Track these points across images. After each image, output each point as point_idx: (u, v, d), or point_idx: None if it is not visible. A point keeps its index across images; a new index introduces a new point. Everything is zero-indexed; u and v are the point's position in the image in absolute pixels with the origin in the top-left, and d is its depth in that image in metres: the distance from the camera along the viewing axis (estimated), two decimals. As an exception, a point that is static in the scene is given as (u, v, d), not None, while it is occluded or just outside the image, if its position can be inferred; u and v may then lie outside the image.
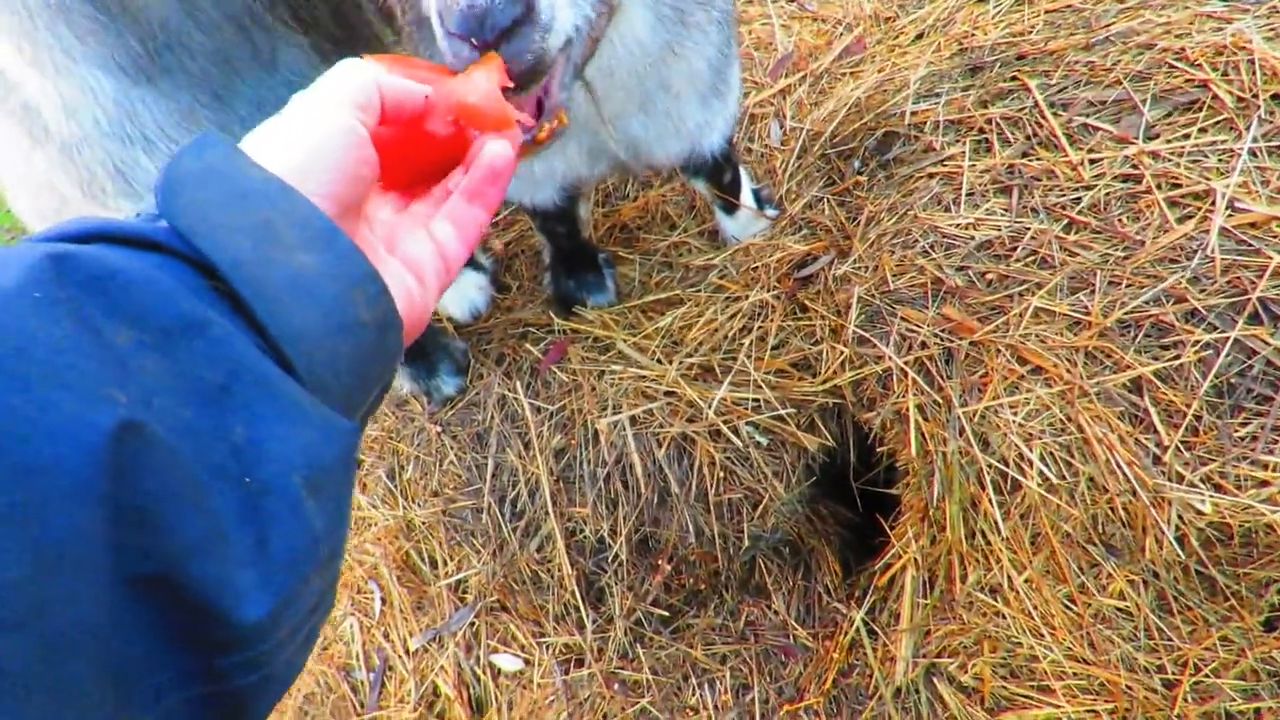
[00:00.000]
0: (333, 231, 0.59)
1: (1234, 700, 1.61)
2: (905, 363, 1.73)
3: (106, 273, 0.49)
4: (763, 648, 2.03)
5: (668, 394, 2.01)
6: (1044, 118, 1.82)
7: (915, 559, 1.86)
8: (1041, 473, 1.59)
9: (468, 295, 2.39)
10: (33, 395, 0.42)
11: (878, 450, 1.90)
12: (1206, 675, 1.60)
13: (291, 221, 0.57)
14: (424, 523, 2.39)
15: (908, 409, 1.72)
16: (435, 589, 2.44)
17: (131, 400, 0.46)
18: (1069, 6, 2.13)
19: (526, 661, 2.31)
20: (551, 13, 0.83)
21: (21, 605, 0.39)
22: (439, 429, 2.30)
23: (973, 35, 2.21)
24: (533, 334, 2.28)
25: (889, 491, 1.95)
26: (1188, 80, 1.74)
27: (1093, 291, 1.61)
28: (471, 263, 2.43)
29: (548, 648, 2.23)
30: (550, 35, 0.84)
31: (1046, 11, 2.14)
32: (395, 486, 2.50)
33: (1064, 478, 1.59)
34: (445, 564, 2.39)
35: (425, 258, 0.71)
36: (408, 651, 2.50)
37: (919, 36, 2.41)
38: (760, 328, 1.98)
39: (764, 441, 1.91)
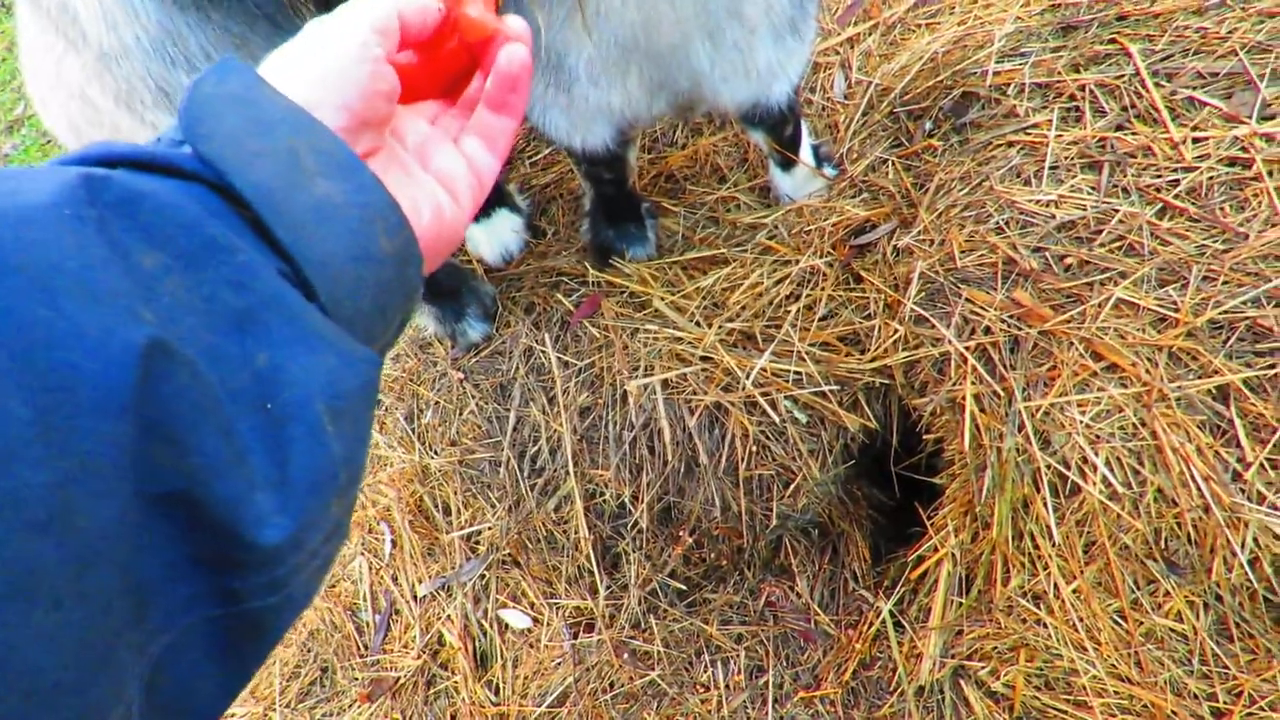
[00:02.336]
0: (355, 161, 0.59)
1: (1287, 736, 1.50)
2: (966, 348, 1.59)
3: (136, 196, 0.50)
4: (781, 631, 1.94)
5: (704, 359, 1.89)
6: (1144, 88, 1.65)
7: (953, 554, 1.75)
8: (1106, 479, 1.46)
9: (501, 237, 2.28)
10: (64, 308, 0.43)
11: (924, 437, 1.78)
12: (1261, 708, 1.49)
13: (315, 150, 0.58)
14: (440, 470, 2.31)
15: (964, 398, 1.59)
16: (447, 538, 2.38)
17: (159, 320, 0.47)
18: (1179, -35, 1.93)
19: (535, 620, 2.25)
20: None
21: (50, 508, 0.41)
22: (461, 376, 2.20)
23: (1067, -9, 2.02)
24: (565, 284, 2.16)
25: (931, 480, 1.83)
26: (1313, 57, 1.56)
27: (1184, 286, 1.46)
28: (508, 204, 2.31)
29: (558, 609, 2.16)
30: None
31: (1153, -31, 1.94)
32: (413, 430, 2.42)
33: (1130, 486, 1.46)
34: (459, 514, 2.31)
35: (458, 172, 0.71)
36: (415, 597, 2.45)
37: (1006, -11, 2.21)
38: (809, 296, 1.84)
39: (803, 418, 1.79)
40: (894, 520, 2.08)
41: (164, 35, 1.22)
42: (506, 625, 2.30)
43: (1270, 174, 1.49)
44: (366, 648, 2.50)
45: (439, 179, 0.70)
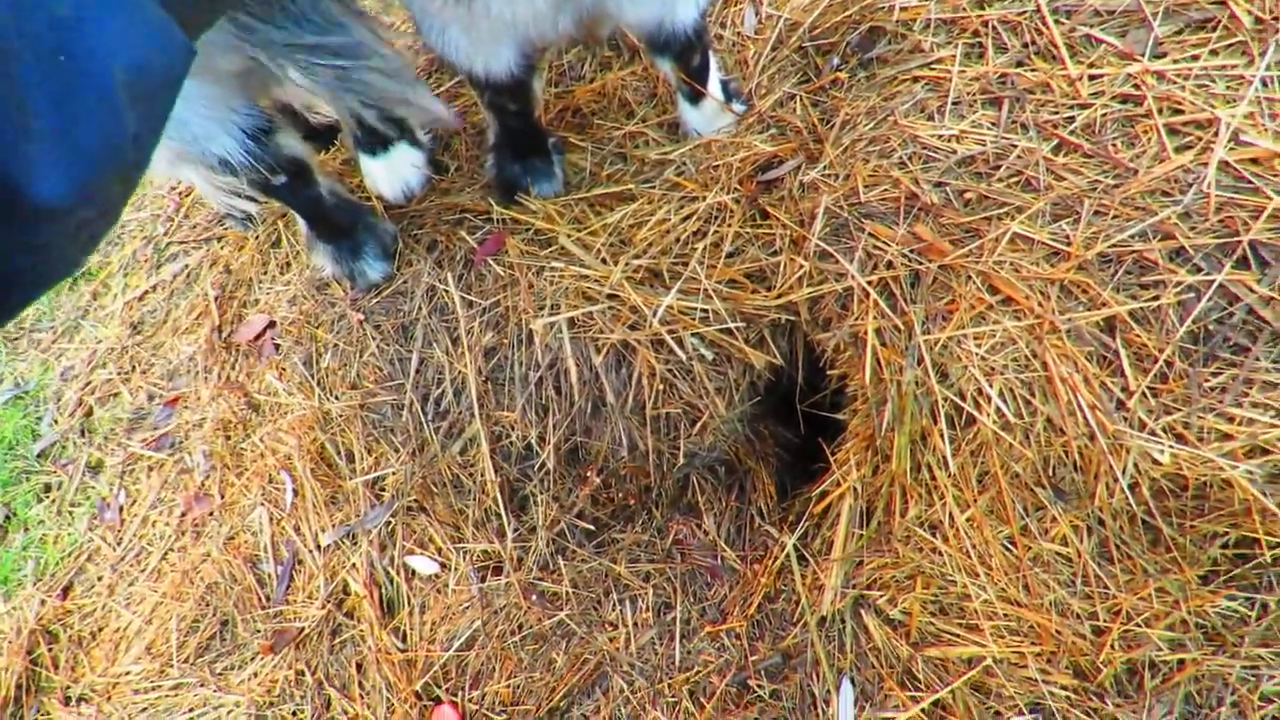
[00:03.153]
0: None
1: (1160, 650, 1.59)
2: (869, 283, 1.59)
3: None
4: (689, 568, 1.95)
5: (610, 297, 1.86)
6: (1045, 24, 1.66)
7: (855, 488, 1.78)
8: (999, 409, 1.50)
9: (401, 173, 2.17)
10: None
11: (828, 373, 1.79)
12: (1137, 624, 1.57)
13: None
14: (341, 415, 2.23)
15: (866, 332, 1.60)
16: (350, 485, 2.31)
17: None
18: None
19: (443, 565, 2.21)
20: None
21: None
22: (361, 317, 2.12)
23: (973, -72, 2.01)
24: (469, 221, 2.08)
25: (835, 417, 1.85)
26: (1202, -4, 1.59)
27: (1076, 220, 1.49)
28: (408, 138, 2.20)
29: (465, 554, 2.13)
30: None
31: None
32: (312, 375, 2.33)
33: (1021, 416, 1.49)
34: (362, 460, 2.24)
35: None
36: (319, 547, 2.38)
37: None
38: (716, 232, 1.82)
39: (709, 356, 1.78)
40: (800, 457, 2.11)
41: None
42: (414, 571, 2.26)
43: (1160, 111, 1.52)
44: (268, 599, 2.43)
45: None
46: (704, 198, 1.85)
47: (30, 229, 0.48)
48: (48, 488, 2.96)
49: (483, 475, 2.01)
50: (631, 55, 2.23)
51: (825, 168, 1.71)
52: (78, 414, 3.06)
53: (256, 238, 2.90)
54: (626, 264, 1.85)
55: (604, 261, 1.88)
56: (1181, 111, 1.50)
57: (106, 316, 3.24)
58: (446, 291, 2.01)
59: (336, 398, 2.23)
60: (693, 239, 1.83)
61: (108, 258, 3.40)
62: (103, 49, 0.49)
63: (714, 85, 1.92)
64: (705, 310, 1.80)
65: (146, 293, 3.22)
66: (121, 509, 2.79)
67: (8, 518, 2.95)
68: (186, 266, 3.16)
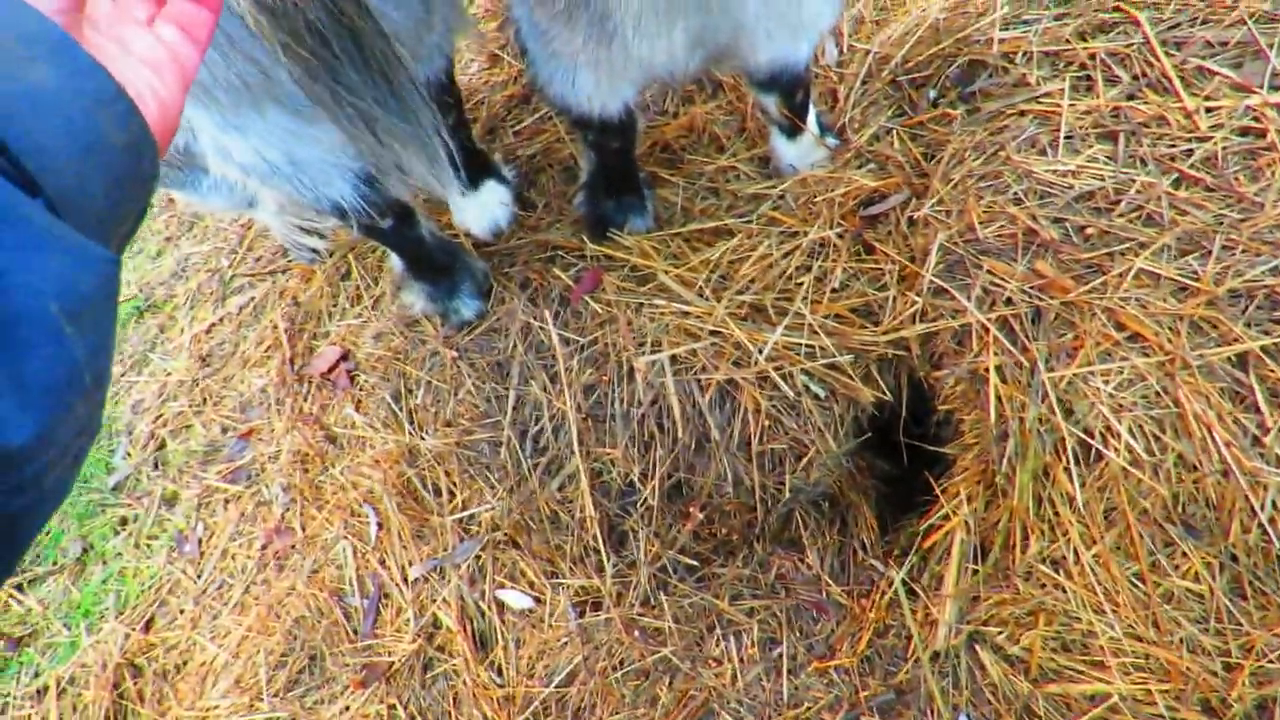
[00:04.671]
0: (69, 43, 0.57)
1: (1290, 685, 1.57)
2: (988, 319, 1.59)
3: None
4: (793, 603, 1.95)
5: (713, 334, 1.86)
6: (1155, 56, 1.65)
7: (966, 522, 1.77)
8: (1129, 446, 1.49)
9: (489, 210, 2.19)
10: None
11: (938, 408, 1.79)
12: (1270, 661, 1.55)
13: (23, 35, 0.55)
14: (432, 451, 2.24)
15: (986, 369, 1.59)
16: (438, 520, 2.32)
17: None
18: (1174, -67, 1.94)
19: (537, 600, 2.21)
20: None
21: None
22: (455, 354, 2.13)
23: (1063, -43, 2.01)
24: (562, 258, 2.09)
25: (941, 450, 1.84)
26: (1318, 27, 1.59)
27: (1204, 255, 1.48)
28: (495, 175, 2.22)
29: (562, 588, 2.13)
30: None
31: (1149, -64, 1.95)
32: (400, 410, 2.34)
33: (1152, 453, 1.49)
34: (454, 496, 2.25)
35: (160, 58, 0.68)
36: (406, 580, 2.39)
37: (998, -46, 2.20)
38: (820, 268, 1.82)
39: (822, 393, 1.78)
40: (899, 489, 2.10)
41: None
42: (505, 606, 2.26)
43: (1282, 144, 1.51)
44: (356, 633, 2.44)
45: (143, 62, 0.68)
46: (806, 233, 1.85)
47: (13, 472, 0.50)
48: (124, 520, 2.98)
49: (582, 511, 2.01)
50: (714, 89, 2.24)
51: (936, 203, 1.71)
52: (150, 447, 3.09)
53: (324, 270, 2.93)
54: (729, 300, 1.85)
55: (705, 298, 1.89)
56: (1308, 145, 1.50)
57: (175, 349, 3.27)
58: (543, 329, 2.02)
59: (427, 434, 2.24)
60: (796, 274, 1.84)
61: (173, 290, 3.44)
62: (33, 291, 0.50)
63: (811, 119, 1.93)
64: (811, 346, 1.80)
65: (213, 325, 3.25)
66: (200, 541, 2.80)
67: (86, 550, 2.98)
68: (253, 299, 3.18)
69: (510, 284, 2.12)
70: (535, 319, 2.03)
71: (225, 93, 1.42)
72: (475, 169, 2.18)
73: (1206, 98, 1.59)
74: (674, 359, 1.87)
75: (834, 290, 1.81)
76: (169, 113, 0.67)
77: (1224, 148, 1.54)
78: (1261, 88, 1.57)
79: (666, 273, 1.94)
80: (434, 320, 2.19)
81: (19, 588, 2.93)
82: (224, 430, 2.93)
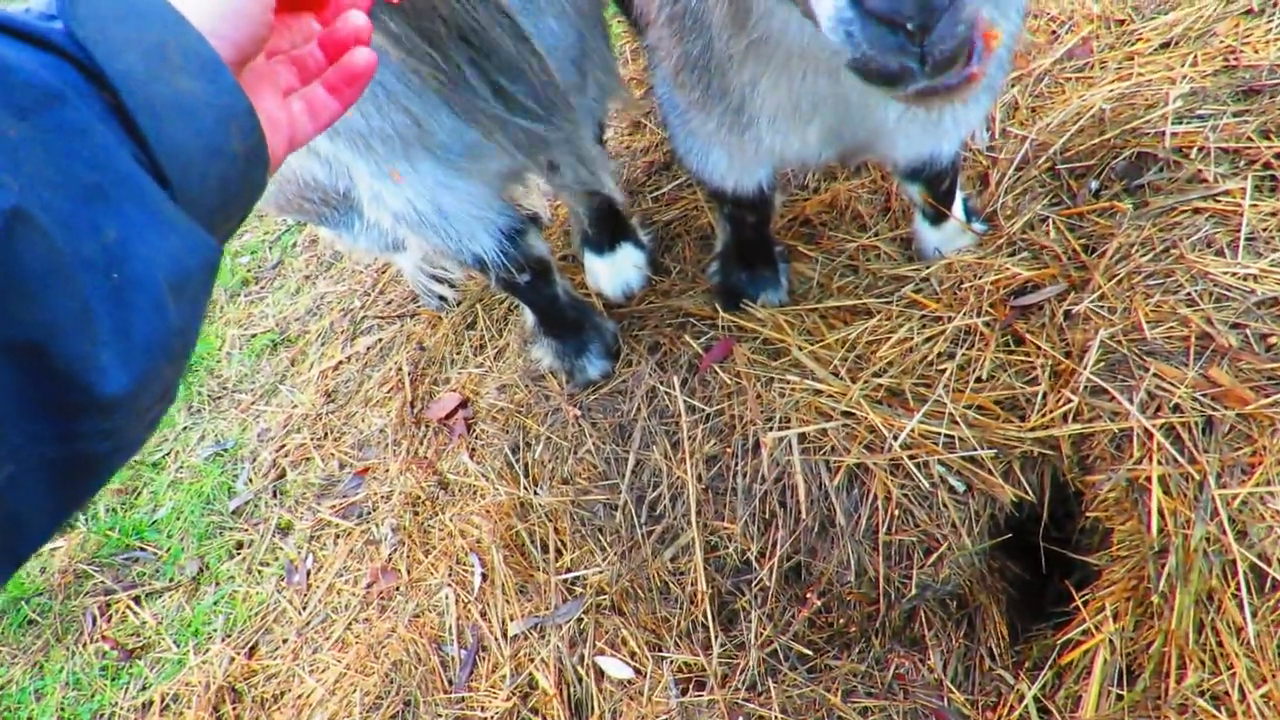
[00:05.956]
0: (219, 64, 0.65)
1: None
2: (1153, 425, 1.49)
3: (6, 68, 0.54)
4: (911, 706, 1.83)
5: (846, 415, 1.81)
6: (1350, 161, 1.55)
7: (1111, 641, 1.64)
8: (1313, 579, 1.36)
9: (623, 272, 2.21)
10: None
11: (1087, 514, 1.68)
12: None
13: (182, 49, 0.63)
14: (545, 507, 2.23)
15: (1148, 479, 1.49)
16: (544, 577, 2.30)
17: (21, 188, 0.51)
18: (1368, 32, 1.84)
19: (637, 671, 2.15)
20: None
21: None
22: (578, 413, 2.14)
23: (1241, 51, 1.93)
24: (693, 325, 2.09)
25: (1088, 560, 1.72)
26: None
27: None
28: (631, 238, 2.25)
29: (666, 662, 2.07)
30: None
31: (1338, 34, 1.85)
32: (517, 462, 2.36)
33: (1340, 590, 1.35)
34: (562, 555, 2.23)
35: (280, 120, 0.76)
36: (505, 635, 2.37)
37: (1165, 46, 2.13)
38: (965, 356, 1.75)
39: (960, 487, 1.69)
40: (1032, 596, 1.97)
41: None
42: (604, 674, 2.21)
43: None
44: (451, 683, 2.42)
45: (263, 118, 0.75)
46: (950, 318, 1.79)
47: (104, 419, 0.56)
48: (240, 545, 3.08)
49: (693, 584, 1.96)
50: (858, 168, 2.22)
51: (1097, 298, 1.63)
52: (271, 475, 3.19)
53: (451, 318, 3.00)
54: (865, 381, 1.80)
55: (839, 377, 1.84)
56: None
57: (303, 383, 3.39)
58: (669, 394, 2.01)
59: (541, 489, 2.24)
60: (938, 360, 1.77)
61: (306, 326, 3.59)
62: (147, 263, 0.57)
63: (957, 205, 1.88)
64: (950, 436, 1.73)
65: (341, 363, 3.36)
66: (309, 573, 2.86)
67: (201, 570, 3.08)
68: (380, 340, 3.29)
69: (639, 347, 2.12)
70: (662, 383, 2.03)
71: (381, 142, 1.48)
72: (612, 231, 2.21)
73: None
74: (802, 437, 1.82)
75: (978, 380, 1.74)
76: (277, 153, 0.76)
77: None
78: None
79: (800, 348, 1.91)
80: (559, 377, 2.21)
81: (137, 600, 3.05)
82: (341, 466, 3.01)
